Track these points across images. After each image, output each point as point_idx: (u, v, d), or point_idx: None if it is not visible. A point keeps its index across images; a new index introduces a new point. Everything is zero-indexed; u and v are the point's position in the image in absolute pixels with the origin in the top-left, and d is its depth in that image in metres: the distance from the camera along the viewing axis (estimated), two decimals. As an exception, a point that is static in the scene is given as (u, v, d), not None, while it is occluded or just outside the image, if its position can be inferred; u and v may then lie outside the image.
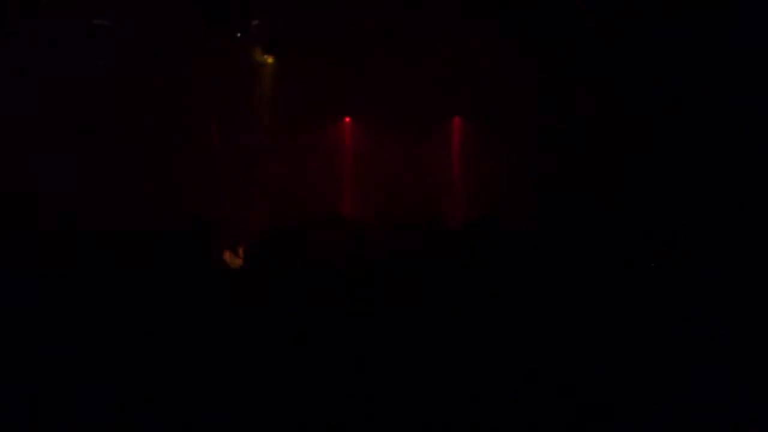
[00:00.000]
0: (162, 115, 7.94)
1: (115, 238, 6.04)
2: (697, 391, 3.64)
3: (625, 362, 3.92)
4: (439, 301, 4.44)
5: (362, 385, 3.64)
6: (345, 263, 5.35)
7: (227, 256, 5.49)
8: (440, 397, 3.65)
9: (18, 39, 7.22)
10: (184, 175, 8.15)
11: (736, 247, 5.36)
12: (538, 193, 8.27)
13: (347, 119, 9.26)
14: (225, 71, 8.24)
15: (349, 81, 8.49)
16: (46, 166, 7.35)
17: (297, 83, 8.51)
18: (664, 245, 5.40)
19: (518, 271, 4.96)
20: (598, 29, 7.61)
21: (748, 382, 3.70)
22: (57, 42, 7.35)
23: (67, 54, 7.43)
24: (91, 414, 3.27)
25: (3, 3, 6.83)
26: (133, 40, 7.60)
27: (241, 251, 5.17)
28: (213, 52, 7.99)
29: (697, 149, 7.30)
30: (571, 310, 4.41)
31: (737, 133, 6.99)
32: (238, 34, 8.09)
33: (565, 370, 3.88)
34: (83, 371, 3.55)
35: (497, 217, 7.48)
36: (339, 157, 9.22)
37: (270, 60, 8.54)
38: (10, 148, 7.10)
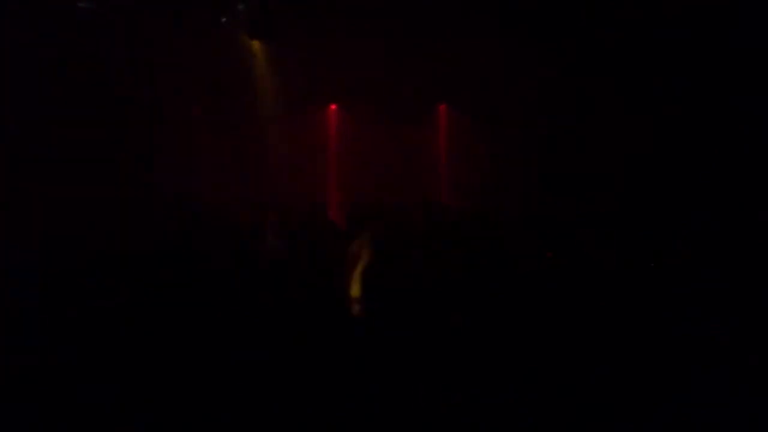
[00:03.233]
0: (145, 99, 7.78)
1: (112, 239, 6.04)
2: (697, 391, 3.64)
3: (626, 362, 3.92)
4: (438, 301, 4.44)
5: (362, 385, 3.63)
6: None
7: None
8: (440, 397, 3.65)
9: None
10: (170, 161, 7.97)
11: (736, 247, 5.35)
12: (537, 193, 8.27)
13: (333, 106, 9.20)
14: (209, 56, 8.08)
15: (336, 67, 8.39)
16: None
17: (283, 68, 8.38)
18: (664, 245, 5.40)
19: (518, 270, 4.96)
20: (598, 29, 7.59)
21: (748, 382, 3.70)
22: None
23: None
24: (91, 413, 3.26)
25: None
26: (116, 25, 7.40)
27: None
28: (198, 36, 7.79)
29: (697, 149, 7.29)
30: (571, 310, 4.41)
31: (737, 133, 6.98)
32: (224, 19, 7.88)
33: (565, 370, 3.88)
34: (83, 371, 3.54)
35: (496, 217, 7.48)
36: (324, 144, 9.13)
37: (256, 45, 8.34)
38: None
